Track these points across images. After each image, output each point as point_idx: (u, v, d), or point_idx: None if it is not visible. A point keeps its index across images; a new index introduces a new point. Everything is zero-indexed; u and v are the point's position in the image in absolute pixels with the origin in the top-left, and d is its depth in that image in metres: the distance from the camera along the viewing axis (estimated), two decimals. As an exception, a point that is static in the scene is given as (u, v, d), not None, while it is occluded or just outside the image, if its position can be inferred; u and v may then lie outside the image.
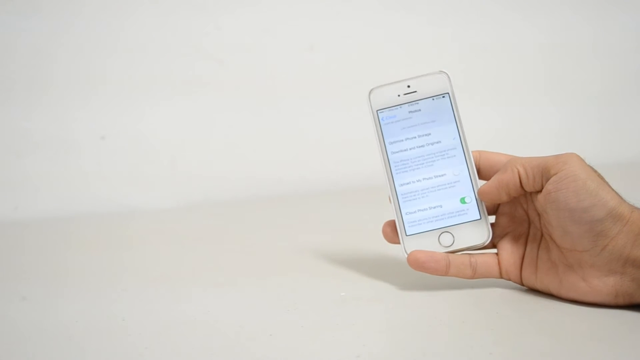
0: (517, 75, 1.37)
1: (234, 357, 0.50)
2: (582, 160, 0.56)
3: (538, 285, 0.59)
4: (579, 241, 0.55)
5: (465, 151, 0.61)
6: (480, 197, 0.60)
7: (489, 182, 0.60)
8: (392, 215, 0.62)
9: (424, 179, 0.61)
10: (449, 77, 0.62)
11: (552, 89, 1.40)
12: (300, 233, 0.90)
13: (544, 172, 0.56)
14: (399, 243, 0.61)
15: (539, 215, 0.59)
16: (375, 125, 0.62)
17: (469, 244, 0.60)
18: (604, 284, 0.54)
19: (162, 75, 1.13)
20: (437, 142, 0.61)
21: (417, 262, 0.59)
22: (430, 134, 0.61)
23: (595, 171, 0.56)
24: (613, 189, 0.55)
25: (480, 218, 0.61)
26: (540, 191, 0.57)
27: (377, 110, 0.62)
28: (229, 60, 1.16)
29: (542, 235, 0.59)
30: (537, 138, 1.30)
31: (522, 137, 1.27)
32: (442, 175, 0.61)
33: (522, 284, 0.60)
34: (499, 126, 1.28)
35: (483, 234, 0.60)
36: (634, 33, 1.46)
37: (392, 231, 0.62)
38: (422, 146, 0.61)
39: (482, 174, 0.62)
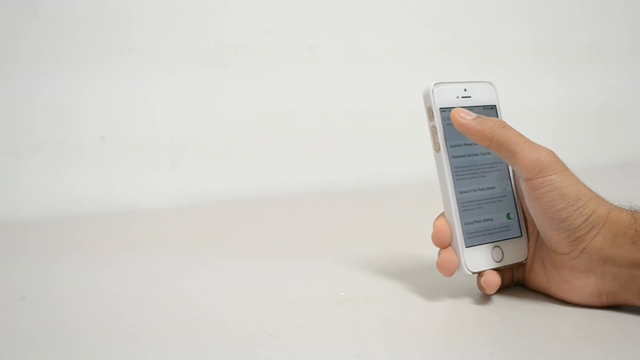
0: (518, 75, 1.37)
1: (234, 357, 0.50)
2: (558, 159, 0.55)
3: (532, 284, 0.60)
4: (557, 245, 0.55)
5: (509, 167, 0.60)
6: None
7: None
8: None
9: (478, 189, 0.59)
10: (495, 88, 0.60)
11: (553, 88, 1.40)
12: (300, 233, 0.90)
13: (515, 167, 0.55)
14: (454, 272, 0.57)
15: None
16: (437, 125, 0.57)
17: (515, 260, 0.59)
18: (585, 284, 0.55)
19: (162, 75, 1.13)
20: (488, 153, 0.59)
21: (495, 287, 0.57)
22: None
23: (569, 170, 0.55)
24: (589, 189, 0.55)
25: (522, 235, 0.60)
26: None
27: (440, 108, 0.58)
28: (228, 60, 1.16)
29: (537, 234, 0.59)
30: (536, 138, 1.30)
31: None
32: (493, 188, 0.59)
33: (524, 284, 0.61)
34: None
35: (524, 251, 0.60)
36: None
37: (450, 257, 0.57)
38: (477, 155, 0.59)
39: None
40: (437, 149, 0.58)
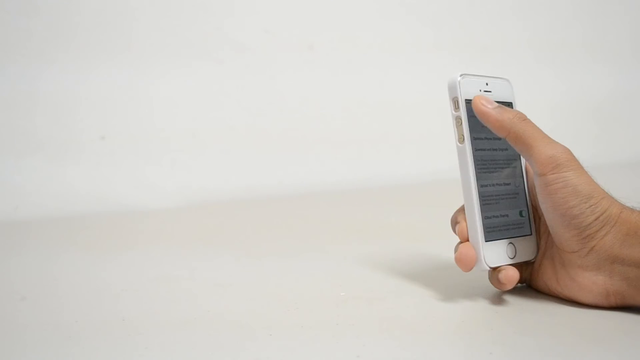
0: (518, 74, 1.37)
1: (234, 357, 0.50)
2: (573, 157, 0.55)
3: (540, 284, 0.59)
4: (567, 243, 0.55)
5: (522, 165, 0.60)
6: None
7: None
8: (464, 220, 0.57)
9: (497, 184, 0.58)
10: (512, 86, 0.60)
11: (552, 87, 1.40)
12: (300, 233, 0.90)
13: (530, 161, 0.55)
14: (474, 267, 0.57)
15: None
16: (463, 115, 0.57)
17: (526, 258, 0.59)
18: (593, 283, 0.55)
19: (162, 75, 1.13)
20: (505, 149, 0.59)
21: (513, 282, 0.57)
22: (500, 139, 0.58)
23: (583, 169, 0.55)
24: (602, 189, 0.55)
25: (532, 234, 0.60)
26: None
27: (465, 100, 0.57)
28: (228, 59, 1.16)
29: (548, 232, 0.59)
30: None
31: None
32: (508, 185, 0.59)
33: (530, 284, 0.61)
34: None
35: (534, 250, 0.59)
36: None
37: (469, 251, 0.57)
38: (496, 150, 0.58)
39: None
40: (460, 140, 0.57)
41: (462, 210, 0.59)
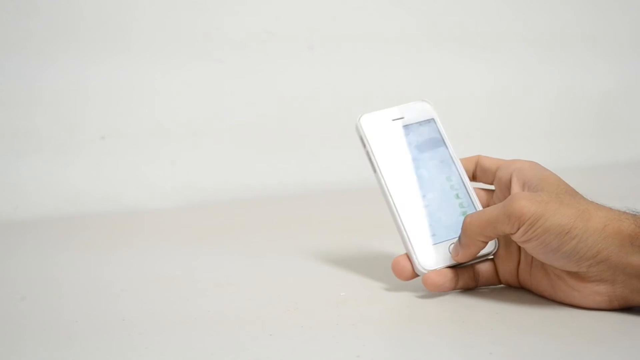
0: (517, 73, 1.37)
1: (234, 357, 0.50)
2: (529, 197, 0.53)
3: (534, 290, 0.59)
4: (563, 267, 0.54)
5: (458, 167, 0.63)
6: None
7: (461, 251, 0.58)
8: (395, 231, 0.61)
9: (421, 196, 0.62)
10: (430, 104, 0.64)
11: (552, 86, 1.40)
12: (300, 233, 0.90)
13: (505, 234, 0.55)
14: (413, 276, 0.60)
15: None
16: (369, 151, 0.63)
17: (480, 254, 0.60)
18: (596, 293, 0.54)
19: (162, 75, 1.13)
20: (429, 161, 0.63)
21: (434, 285, 0.58)
22: (421, 159, 0.63)
23: (557, 178, 0.55)
24: (575, 204, 0.52)
25: None
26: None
27: (369, 136, 0.63)
28: (228, 59, 1.16)
29: None
30: (536, 137, 1.30)
31: (523, 137, 1.28)
32: (438, 192, 0.62)
33: (521, 287, 0.60)
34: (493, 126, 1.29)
35: (490, 244, 0.60)
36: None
37: (404, 260, 0.60)
38: (417, 169, 0.62)
39: (477, 179, 0.63)
40: (374, 170, 0.62)
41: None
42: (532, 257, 0.58)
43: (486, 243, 0.58)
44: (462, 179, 0.62)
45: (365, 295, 0.62)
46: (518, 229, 0.53)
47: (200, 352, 0.51)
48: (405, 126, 0.63)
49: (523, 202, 0.52)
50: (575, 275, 0.54)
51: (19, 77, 1.06)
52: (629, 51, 1.46)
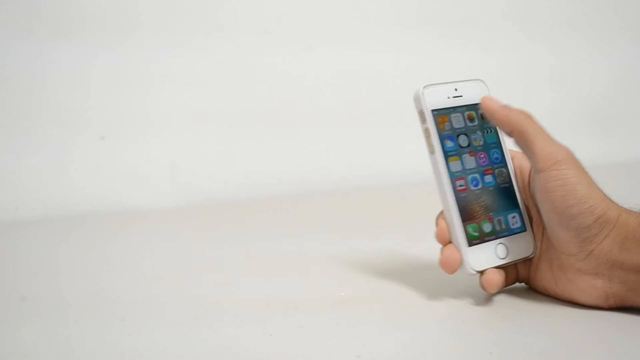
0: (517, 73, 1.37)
1: (234, 357, 0.50)
2: (574, 157, 0.55)
3: (539, 286, 0.59)
4: (565, 245, 0.55)
5: (509, 164, 0.60)
6: None
7: None
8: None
9: (477, 187, 0.58)
10: (486, 85, 0.60)
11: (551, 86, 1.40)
12: (300, 233, 0.90)
13: (531, 158, 0.56)
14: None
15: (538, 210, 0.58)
16: (430, 127, 0.57)
17: (520, 256, 0.59)
18: (592, 287, 0.54)
19: (162, 75, 1.13)
20: (484, 151, 0.59)
21: (496, 285, 0.57)
22: (481, 144, 0.59)
23: (584, 169, 0.55)
24: (601, 190, 0.55)
25: (526, 230, 0.59)
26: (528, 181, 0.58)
27: (431, 110, 0.57)
28: (228, 59, 1.16)
29: (543, 232, 0.59)
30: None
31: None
32: (492, 186, 0.59)
33: (529, 283, 0.60)
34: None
35: (530, 246, 0.59)
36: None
37: (452, 254, 0.57)
38: (474, 153, 0.59)
39: None
40: (431, 150, 0.57)
41: (442, 213, 0.58)
42: (541, 249, 0.58)
43: None
44: (511, 174, 0.59)
45: (365, 295, 0.62)
46: (550, 166, 0.54)
47: (200, 352, 0.51)
48: (462, 106, 0.59)
49: (571, 155, 0.55)
50: (574, 267, 0.55)
51: (19, 77, 1.06)
52: (629, 45, 1.45)
